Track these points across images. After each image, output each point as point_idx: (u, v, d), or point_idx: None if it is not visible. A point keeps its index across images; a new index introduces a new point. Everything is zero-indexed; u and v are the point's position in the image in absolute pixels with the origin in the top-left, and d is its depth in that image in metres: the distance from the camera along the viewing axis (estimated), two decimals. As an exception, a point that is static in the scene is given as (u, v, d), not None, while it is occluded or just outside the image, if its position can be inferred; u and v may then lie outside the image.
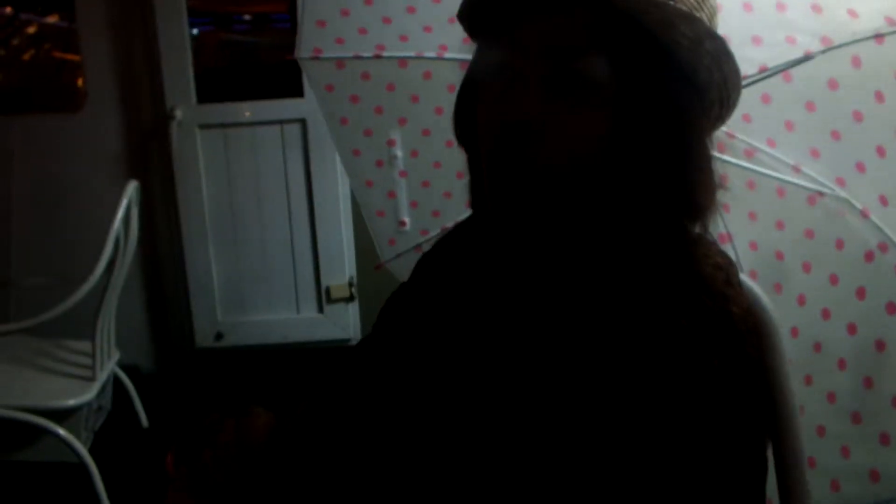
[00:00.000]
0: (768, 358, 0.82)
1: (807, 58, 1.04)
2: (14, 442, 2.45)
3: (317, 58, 1.46)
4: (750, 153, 1.14)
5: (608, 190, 0.81)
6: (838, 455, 1.14)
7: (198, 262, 3.58)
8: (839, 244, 1.11)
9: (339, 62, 1.45)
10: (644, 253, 0.82)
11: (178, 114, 3.42)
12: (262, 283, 3.60)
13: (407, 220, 1.58)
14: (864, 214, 1.10)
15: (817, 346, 1.14)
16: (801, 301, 1.13)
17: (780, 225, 1.16)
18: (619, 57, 0.77)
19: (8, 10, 3.47)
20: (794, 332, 1.15)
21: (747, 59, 1.04)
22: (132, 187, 2.59)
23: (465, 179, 0.92)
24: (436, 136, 1.13)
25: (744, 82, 1.01)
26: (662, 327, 0.77)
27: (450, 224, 0.97)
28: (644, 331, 0.77)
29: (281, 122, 3.45)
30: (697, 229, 0.85)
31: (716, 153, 0.97)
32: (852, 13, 1.03)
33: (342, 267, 3.59)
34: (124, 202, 2.53)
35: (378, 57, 1.40)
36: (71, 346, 2.70)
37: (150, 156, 3.49)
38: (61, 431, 2.36)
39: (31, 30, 3.52)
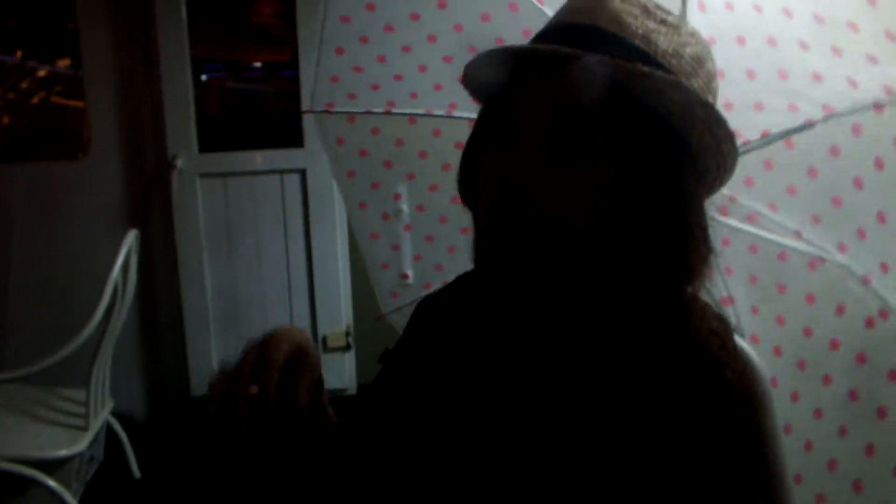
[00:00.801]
0: (762, 423, 0.83)
1: (808, 125, 1.05)
2: (3, 492, 2.42)
3: (328, 111, 1.49)
4: (752, 218, 1.15)
5: (603, 252, 0.82)
6: None
7: (195, 310, 3.57)
8: (840, 310, 1.11)
9: (351, 116, 1.48)
10: (639, 315, 0.83)
11: (180, 162, 3.45)
12: (259, 331, 3.57)
13: (410, 273, 1.60)
14: (865, 281, 1.10)
15: (818, 412, 1.13)
16: (802, 366, 1.13)
17: (781, 289, 1.17)
18: (613, 122, 0.80)
19: (17, 54, 3.51)
20: (795, 396, 1.15)
21: (750, 125, 1.06)
22: (132, 236, 2.60)
23: (470, 235, 0.93)
24: (442, 192, 1.15)
25: (746, 147, 1.05)
26: (657, 393, 0.79)
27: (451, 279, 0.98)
28: (638, 397, 0.79)
29: (281, 171, 3.47)
30: (692, 291, 0.86)
31: (719, 216, 1.02)
32: (852, 82, 1.04)
33: (339, 316, 3.59)
34: (123, 251, 2.54)
35: (388, 113, 1.43)
36: (65, 395, 2.68)
37: (151, 204, 3.51)
38: (51, 483, 2.34)
39: (39, 75, 3.55)
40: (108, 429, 2.85)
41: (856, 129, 1.05)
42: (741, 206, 1.15)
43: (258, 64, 3.88)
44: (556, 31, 0.86)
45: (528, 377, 0.86)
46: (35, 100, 3.58)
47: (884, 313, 1.08)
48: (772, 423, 0.85)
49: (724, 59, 0.96)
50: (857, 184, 1.08)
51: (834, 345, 1.12)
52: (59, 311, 3.20)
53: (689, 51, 0.85)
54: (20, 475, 2.31)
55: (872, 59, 1.03)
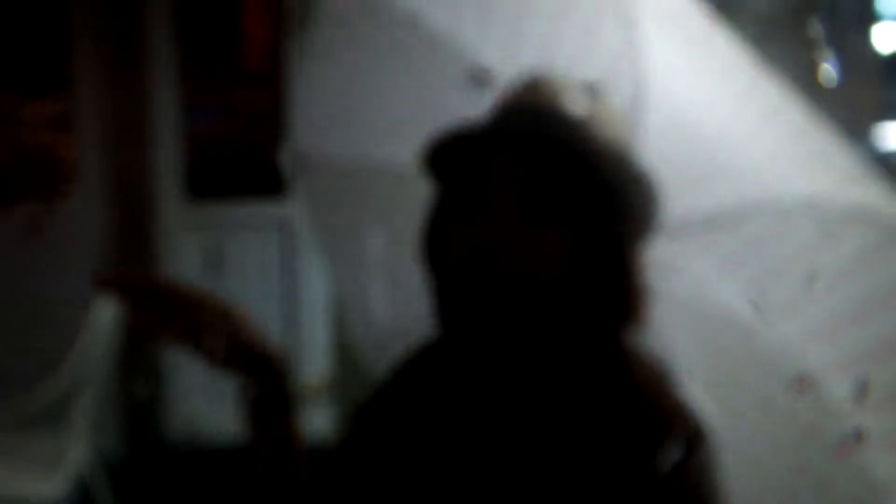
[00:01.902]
0: (701, 460, 0.90)
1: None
2: None
3: (305, 154, 1.53)
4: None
5: (560, 305, 0.92)
6: None
7: (173, 357, 3.57)
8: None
9: (325, 161, 1.51)
10: (586, 361, 0.94)
11: (165, 206, 3.52)
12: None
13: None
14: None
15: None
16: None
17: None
18: (574, 191, 0.91)
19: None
20: None
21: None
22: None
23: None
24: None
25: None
26: (601, 435, 0.89)
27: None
28: (586, 440, 0.89)
29: (266, 221, 3.51)
30: (633, 333, 0.97)
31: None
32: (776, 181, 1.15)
33: (318, 363, 3.60)
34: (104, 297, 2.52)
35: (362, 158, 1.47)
36: (40, 440, 2.66)
37: (134, 246, 3.54)
38: None
39: (27, 114, 3.58)
40: (85, 473, 2.78)
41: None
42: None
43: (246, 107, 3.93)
44: (513, 112, 0.97)
45: (494, 424, 0.95)
46: (22, 140, 3.60)
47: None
48: (712, 462, 0.92)
49: (675, 154, 1.08)
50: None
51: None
52: (38, 350, 3.11)
53: (619, 124, 0.99)
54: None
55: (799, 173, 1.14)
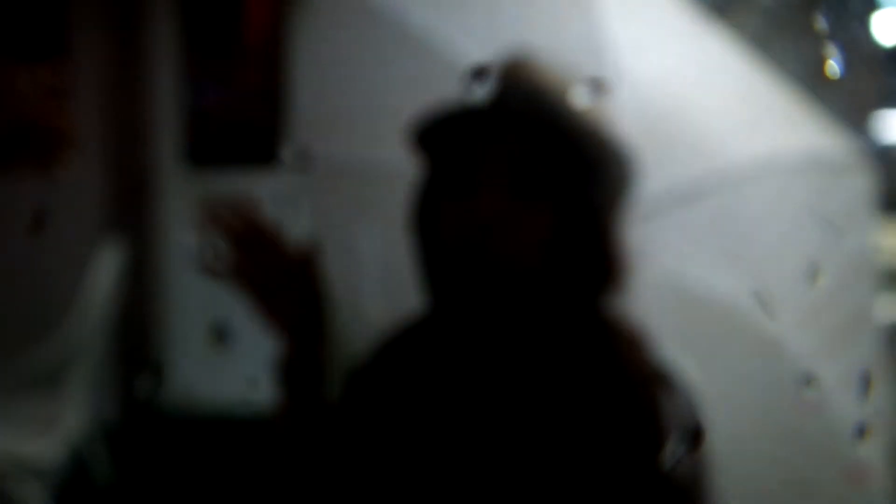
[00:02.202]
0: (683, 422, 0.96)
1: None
2: None
3: (302, 153, 1.60)
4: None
5: (547, 274, 0.97)
6: None
7: (175, 325, 3.65)
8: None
9: (323, 160, 1.56)
10: (571, 328, 0.99)
11: (166, 176, 3.55)
12: (238, 345, 3.60)
13: None
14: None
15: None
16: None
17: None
18: (556, 167, 0.96)
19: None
20: None
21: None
22: (115, 247, 2.71)
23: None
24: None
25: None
26: (585, 403, 0.93)
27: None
28: (571, 409, 0.94)
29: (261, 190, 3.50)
30: (615, 301, 1.02)
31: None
32: (742, 156, 1.22)
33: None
34: (107, 262, 2.66)
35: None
36: (41, 401, 2.69)
37: (135, 217, 3.58)
38: (26, 487, 2.39)
39: (26, 81, 3.59)
40: (83, 437, 2.84)
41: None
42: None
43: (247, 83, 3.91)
44: (500, 92, 1.00)
45: (486, 389, 0.99)
46: (19, 108, 3.61)
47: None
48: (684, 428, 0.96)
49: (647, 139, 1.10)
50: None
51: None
52: (35, 316, 3.15)
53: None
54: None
55: (754, 135, 1.21)
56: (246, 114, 3.86)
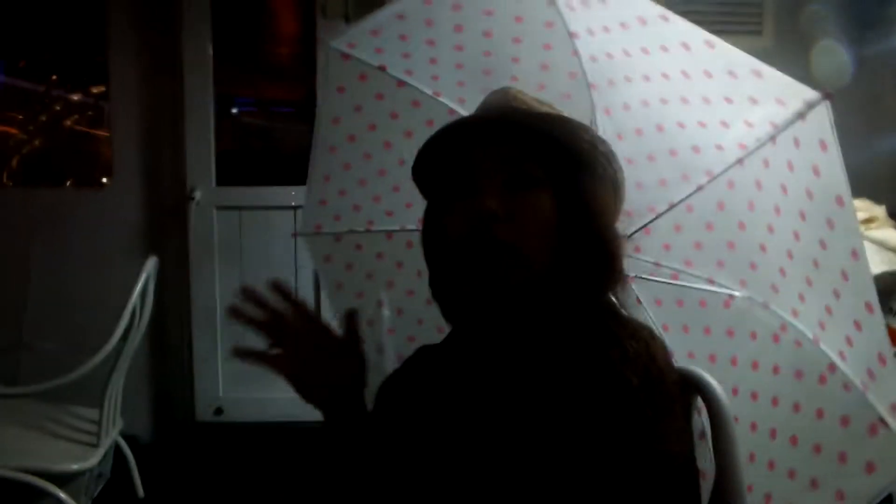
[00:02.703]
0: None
1: (698, 189, 1.28)
2: (17, 501, 2.47)
3: (317, 233, 1.68)
4: (675, 276, 1.35)
5: (552, 262, 1.02)
6: None
7: (204, 338, 3.67)
8: (753, 335, 1.29)
9: (338, 236, 1.67)
10: (576, 320, 1.02)
11: (198, 194, 3.59)
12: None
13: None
14: (765, 306, 1.28)
15: (753, 426, 1.27)
16: (735, 392, 1.28)
17: (707, 331, 1.34)
18: (545, 159, 1.04)
19: (49, 82, 3.65)
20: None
21: (658, 199, 1.28)
22: (151, 263, 2.70)
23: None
24: (418, 296, 1.29)
25: (657, 216, 1.29)
26: (592, 392, 0.94)
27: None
28: (562, 391, 0.96)
29: (294, 207, 3.55)
30: (617, 290, 1.08)
31: (648, 277, 1.33)
32: (718, 147, 1.26)
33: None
34: (143, 276, 2.63)
35: (369, 231, 1.63)
36: (77, 413, 2.75)
37: (168, 233, 3.63)
38: (62, 495, 2.40)
39: (66, 104, 3.67)
40: (116, 448, 2.91)
41: (730, 184, 1.26)
42: (664, 269, 1.34)
43: (275, 101, 3.99)
44: (484, 110, 1.11)
45: (494, 384, 1.02)
46: (62, 128, 3.69)
47: (783, 327, 1.27)
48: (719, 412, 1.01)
49: (629, 149, 1.21)
50: (741, 227, 1.28)
51: (755, 366, 1.28)
52: (75, 331, 3.21)
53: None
54: (33, 486, 2.37)
55: (725, 125, 1.25)
56: (275, 130, 3.94)
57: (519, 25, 1.38)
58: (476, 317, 1.06)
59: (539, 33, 1.36)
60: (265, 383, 3.57)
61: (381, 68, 1.50)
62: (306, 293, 3.64)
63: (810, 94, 1.20)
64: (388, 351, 1.60)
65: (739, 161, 1.24)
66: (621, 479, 0.90)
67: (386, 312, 1.68)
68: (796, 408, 1.24)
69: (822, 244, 1.22)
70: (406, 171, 1.42)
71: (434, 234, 1.10)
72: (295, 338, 1.05)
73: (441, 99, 1.48)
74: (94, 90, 3.65)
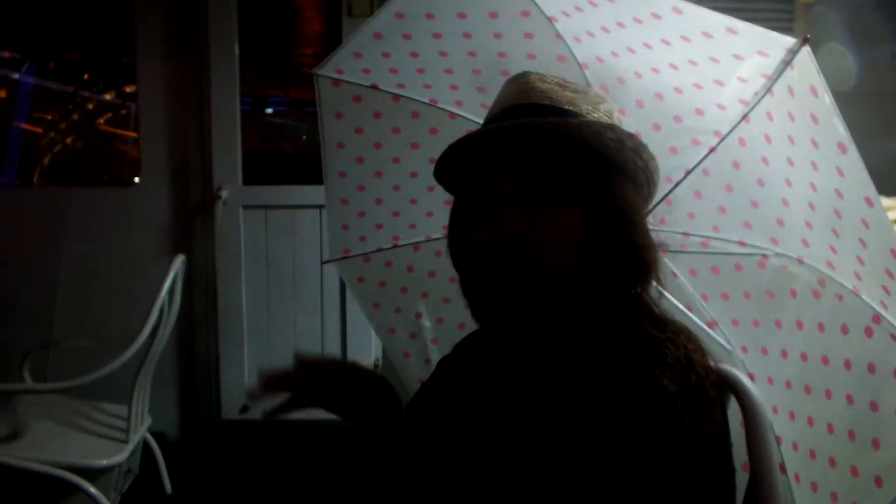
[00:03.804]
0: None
1: (711, 152, 1.26)
2: (46, 497, 2.52)
3: (346, 257, 1.70)
4: (705, 244, 1.33)
5: (582, 272, 1.00)
6: None
7: (230, 336, 3.69)
8: (793, 293, 1.27)
9: (366, 257, 1.69)
10: (608, 324, 1.00)
11: (224, 193, 3.60)
12: (291, 359, 3.67)
13: None
14: (799, 261, 1.26)
15: (807, 389, 1.25)
16: (784, 355, 1.27)
17: (746, 295, 1.32)
18: (571, 168, 1.00)
19: (71, 89, 3.69)
20: (788, 384, 1.26)
21: (672, 167, 1.26)
22: (180, 261, 2.72)
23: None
24: (455, 302, 1.28)
25: (676, 185, 1.26)
26: (615, 386, 0.94)
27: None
28: (599, 388, 0.94)
29: (320, 206, 3.53)
30: (652, 287, 1.05)
31: (679, 249, 1.31)
32: (721, 106, 1.25)
33: (368, 348, 3.68)
34: (172, 274, 2.65)
35: (396, 246, 1.65)
36: (107, 409, 2.79)
37: (195, 232, 3.65)
38: (92, 490, 2.44)
39: (95, 105, 3.70)
40: (143, 445, 2.94)
41: (741, 142, 1.24)
42: (693, 237, 1.32)
43: (301, 101, 3.96)
44: (503, 114, 1.06)
45: (522, 383, 1.02)
46: (91, 128, 3.73)
47: (821, 281, 1.24)
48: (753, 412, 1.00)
49: (634, 122, 1.19)
50: (760, 183, 1.26)
51: (800, 325, 1.26)
52: (104, 329, 3.37)
53: (602, 106, 1.09)
54: (64, 480, 2.40)
55: (720, 83, 1.24)
56: (302, 131, 3.94)
57: (495, 21, 1.38)
58: (505, 324, 1.06)
59: (518, 24, 1.36)
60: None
61: (374, 87, 1.51)
62: (332, 293, 3.66)
63: (788, 40, 1.19)
64: (434, 361, 1.62)
65: (745, 117, 1.21)
66: (659, 485, 0.89)
67: (426, 324, 1.69)
68: (847, 365, 1.21)
69: (839, 193, 1.20)
70: (421, 182, 1.47)
71: (461, 241, 1.09)
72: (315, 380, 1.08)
73: (439, 105, 1.49)
74: (123, 90, 3.67)
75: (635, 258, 1.02)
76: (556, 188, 0.99)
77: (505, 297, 1.00)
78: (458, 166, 1.07)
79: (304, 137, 3.91)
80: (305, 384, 1.06)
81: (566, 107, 1.04)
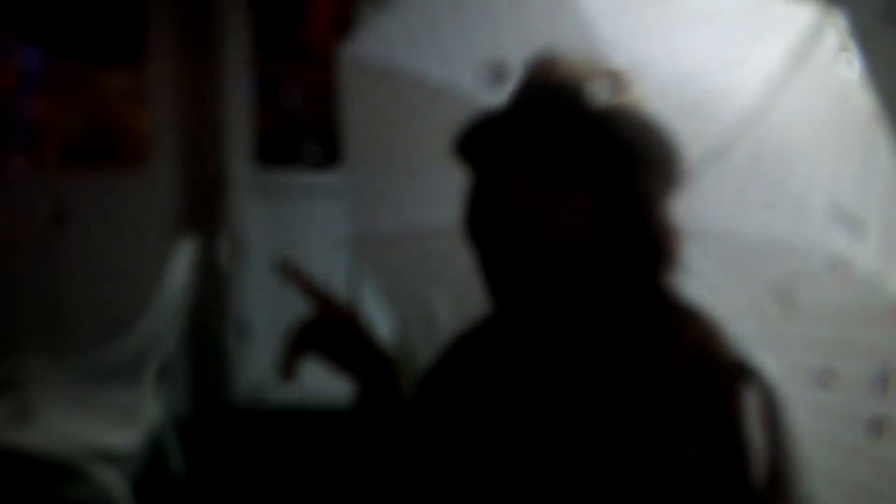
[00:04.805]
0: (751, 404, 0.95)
1: (737, 134, 1.21)
2: (59, 480, 2.53)
3: (362, 241, 1.67)
4: (730, 230, 1.28)
5: (594, 262, 0.98)
6: None
7: (243, 321, 3.70)
8: (816, 280, 1.23)
9: (383, 241, 1.65)
10: (628, 311, 0.99)
11: (237, 176, 3.61)
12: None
13: None
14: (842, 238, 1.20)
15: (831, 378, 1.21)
16: (806, 344, 1.24)
17: (769, 283, 1.27)
18: (591, 151, 0.98)
19: (79, 68, 3.67)
20: None
21: (698, 151, 1.18)
22: (189, 243, 2.75)
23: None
24: (474, 287, 1.29)
25: (700, 170, 1.18)
26: (647, 386, 0.93)
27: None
28: (633, 392, 0.94)
29: (335, 190, 3.52)
30: (671, 276, 1.03)
31: (702, 235, 1.18)
32: (744, 83, 1.20)
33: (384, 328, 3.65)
34: (180, 257, 2.68)
35: (413, 231, 1.60)
36: (119, 393, 2.78)
37: (206, 214, 3.63)
38: (106, 474, 2.46)
39: (104, 83, 3.71)
40: (157, 428, 2.92)
41: (767, 119, 1.19)
42: (717, 223, 1.26)
43: (315, 83, 3.96)
44: (526, 92, 1.05)
45: (544, 380, 1.01)
46: (101, 108, 3.73)
47: (847, 267, 1.20)
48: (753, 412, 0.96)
49: (660, 104, 1.11)
50: (788, 166, 1.23)
51: (823, 315, 1.22)
52: (114, 311, 3.24)
53: (628, 88, 1.06)
54: (76, 465, 2.43)
55: (748, 61, 1.19)
56: (314, 113, 3.90)
57: None
58: (521, 304, 1.04)
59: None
60: (305, 367, 3.62)
61: (391, 65, 1.47)
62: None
63: (816, 6, 1.14)
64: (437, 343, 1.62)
65: (771, 92, 1.17)
66: (672, 473, 0.89)
67: (445, 309, 1.63)
68: (870, 353, 1.17)
69: (870, 173, 1.17)
70: (439, 166, 1.37)
71: (476, 219, 1.08)
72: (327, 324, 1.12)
73: (460, 82, 1.42)
74: (133, 70, 3.65)
75: (654, 245, 1.01)
76: (575, 170, 0.98)
77: (518, 276, 0.99)
78: (477, 142, 1.06)
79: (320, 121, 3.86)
80: (324, 324, 1.10)
81: (591, 87, 1.02)
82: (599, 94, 1.02)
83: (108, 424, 2.61)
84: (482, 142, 1.04)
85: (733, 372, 0.95)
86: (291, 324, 1.14)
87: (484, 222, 1.04)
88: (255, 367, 3.71)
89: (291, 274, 1.15)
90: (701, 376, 0.92)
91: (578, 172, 0.98)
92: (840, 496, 1.19)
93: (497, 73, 1.16)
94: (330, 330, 1.11)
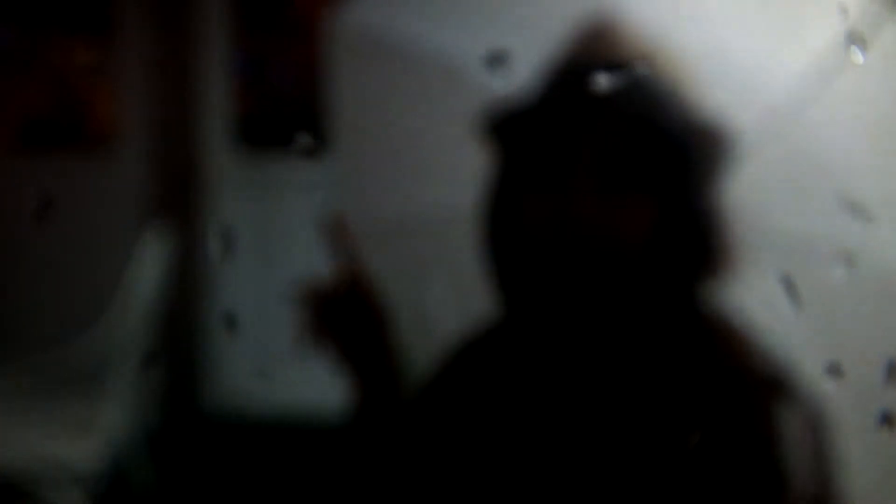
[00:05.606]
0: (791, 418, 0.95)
1: (788, 128, 1.17)
2: (9, 501, 2.47)
3: (351, 224, 1.54)
4: (782, 235, 1.25)
5: (645, 268, 0.95)
6: None
7: (221, 326, 3.69)
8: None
9: (375, 223, 1.53)
10: (671, 324, 0.97)
11: (213, 161, 3.57)
12: (284, 345, 3.59)
13: None
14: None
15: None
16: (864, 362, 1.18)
17: (825, 296, 1.23)
18: (648, 150, 0.94)
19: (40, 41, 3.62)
20: None
21: (749, 144, 1.15)
22: (161, 236, 2.68)
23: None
24: (475, 276, 1.23)
25: (743, 160, 1.14)
26: (683, 398, 0.93)
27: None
28: (668, 404, 0.93)
29: (317, 176, 3.44)
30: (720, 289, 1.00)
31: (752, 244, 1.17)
32: (791, 72, 1.16)
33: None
34: (151, 252, 2.62)
35: (409, 213, 1.54)
36: (79, 401, 2.68)
37: (181, 203, 3.56)
38: (63, 492, 2.38)
39: (60, 57, 3.64)
40: (126, 439, 2.85)
41: (813, 109, 1.17)
42: (770, 227, 1.24)
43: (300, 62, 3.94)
44: (576, 69, 0.96)
45: (568, 402, 0.98)
46: (61, 83, 3.67)
47: None
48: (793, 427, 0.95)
49: (706, 94, 1.08)
50: (848, 162, 1.22)
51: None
52: (75, 309, 3.19)
53: (681, 80, 1.01)
54: (27, 483, 2.37)
55: (800, 45, 1.16)
56: (297, 91, 3.88)
57: None
58: (545, 306, 1.00)
59: None
60: (281, 378, 3.51)
61: (387, 30, 1.40)
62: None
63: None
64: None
65: (819, 80, 1.14)
66: (699, 496, 0.89)
67: (446, 297, 1.57)
68: None
69: None
70: (435, 145, 1.37)
71: (500, 224, 1.04)
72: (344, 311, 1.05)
73: (462, 52, 1.32)
74: (98, 42, 3.57)
75: (711, 253, 0.99)
76: (636, 176, 0.95)
77: (560, 281, 0.96)
78: (519, 126, 1.00)
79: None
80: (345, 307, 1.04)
81: (653, 71, 0.98)
82: (661, 81, 0.98)
83: (66, 436, 2.52)
84: (525, 127, 0.99)
85: (768, 389, 0.95)
86: (309, 283, 1.05)
87: (521, 222, 1.00)
88: (238, 371, 3.67)
89: (339, 233, 1.07)
90: (731, 393, 0.93)
91: (638, 176, 0.95)
92: (853, 491, 1.16)
93: (498, 60, 1.10)
94: (353, 314, 1.05)
